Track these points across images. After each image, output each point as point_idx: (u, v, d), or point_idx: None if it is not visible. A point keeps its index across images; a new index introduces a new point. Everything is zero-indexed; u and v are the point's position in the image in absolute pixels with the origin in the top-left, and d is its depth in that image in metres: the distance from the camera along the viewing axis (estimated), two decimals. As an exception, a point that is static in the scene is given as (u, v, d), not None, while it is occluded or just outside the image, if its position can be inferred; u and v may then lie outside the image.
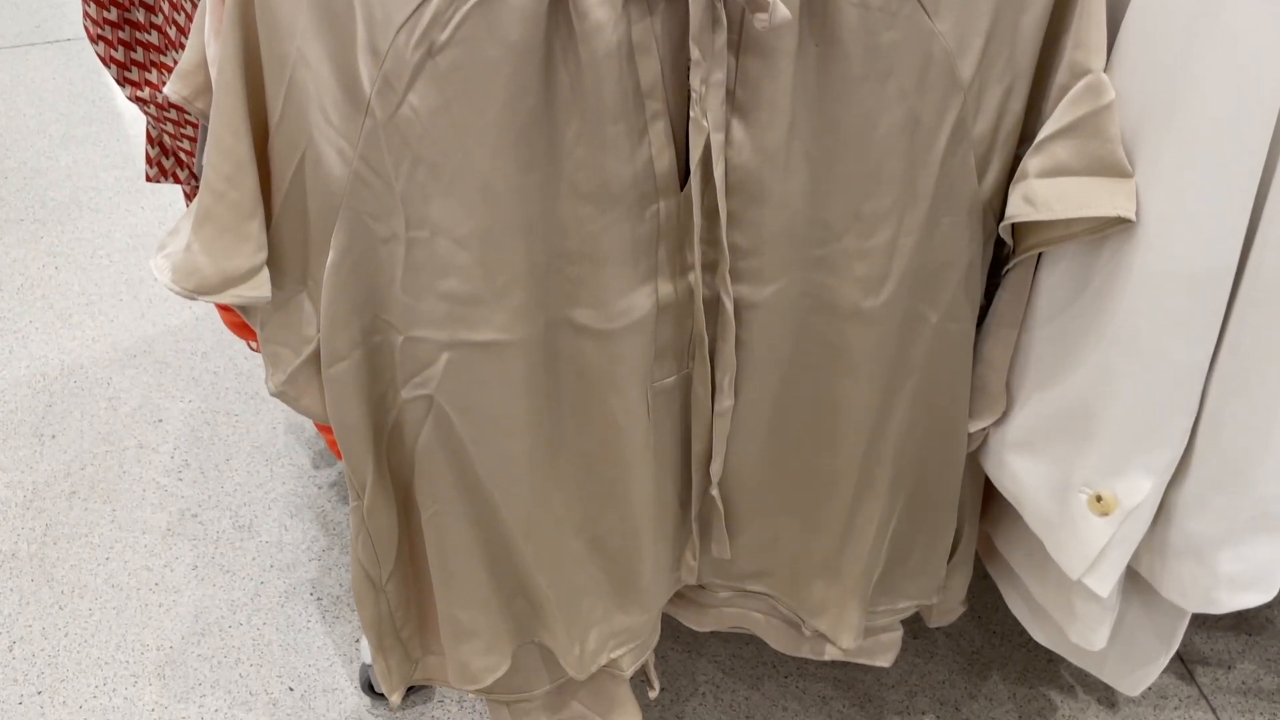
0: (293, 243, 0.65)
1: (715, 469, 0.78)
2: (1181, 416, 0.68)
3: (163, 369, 1.53)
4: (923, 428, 0.78)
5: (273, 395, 0.68)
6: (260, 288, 0.63)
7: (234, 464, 1.39)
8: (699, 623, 0.96)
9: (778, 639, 0.95)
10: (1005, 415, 0.78)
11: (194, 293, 0.61)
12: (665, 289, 0.69)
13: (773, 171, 0.64)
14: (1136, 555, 0.75)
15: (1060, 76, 0.64)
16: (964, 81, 0.63)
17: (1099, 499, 0.72)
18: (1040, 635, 0.93)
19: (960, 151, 0.65)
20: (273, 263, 0.65)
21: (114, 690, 1.14)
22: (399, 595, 0.79)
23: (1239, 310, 0.64)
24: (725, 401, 0.74)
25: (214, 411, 1.46)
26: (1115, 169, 0.63)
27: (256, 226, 0.62)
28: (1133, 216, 0.62)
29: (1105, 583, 0.74)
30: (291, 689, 1.14)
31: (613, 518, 0.77)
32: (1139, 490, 0.70)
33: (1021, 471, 0.78)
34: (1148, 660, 0.86)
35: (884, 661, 0.94)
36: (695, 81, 0.60)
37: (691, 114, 0.61)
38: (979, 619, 1.22)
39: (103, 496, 1.34)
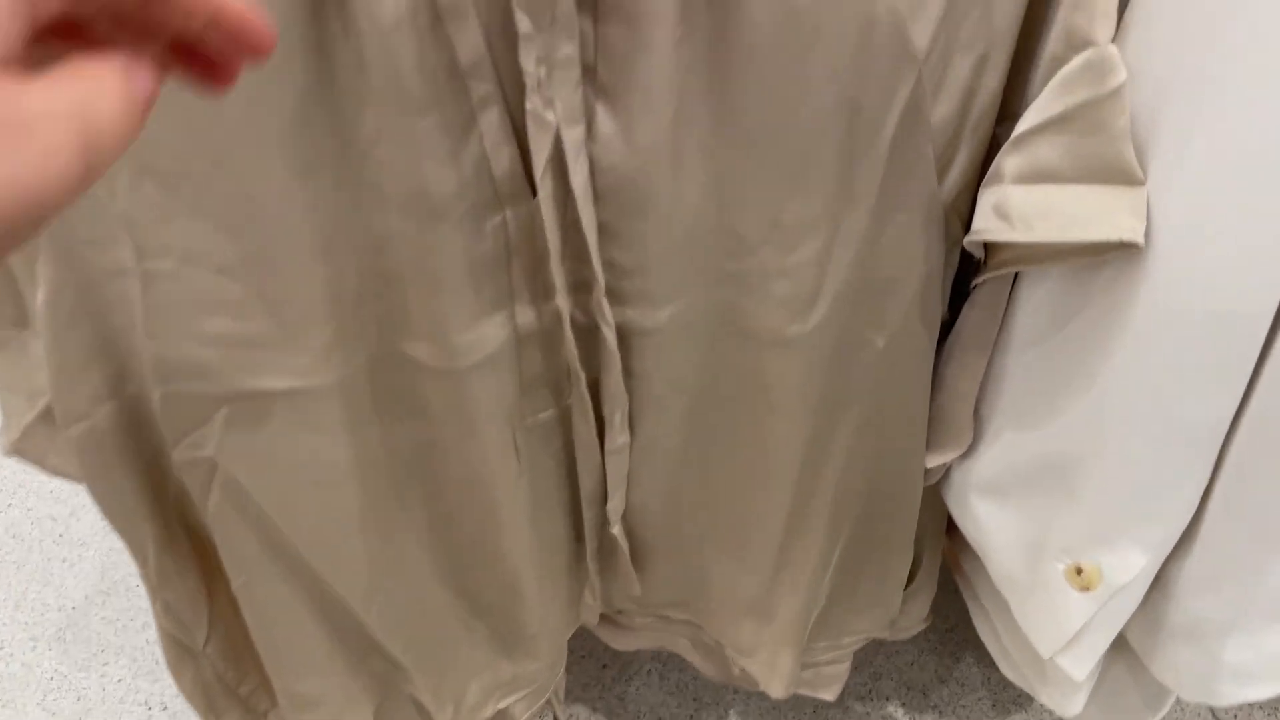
0: (-8, 274, 0.49)
1: (613, 508, 0.64)
2: (1189, 486, 0.53)
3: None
4: (869, 462, 0.64)
5: (7, 455, 0.54)
6: None
7: (142, 410, 1.27)
8: (620, 644, 0.84)
9: (705, 666, 0.83)
10: (972, 449, 0.63)
11: None
12: (525, 316, 0.53)
13: (657, 173, 0.48)
14: (1124, 624, 0.61)
15: (1053, 45, 0.46)
16: (919, 51, 0.45)
17: (1079, 571, 0.58)
18: (1011, 673, 0.80)
19: (914, 142, 0.48)
20: (-28, 300, 0.49)
21: (10, 655, 1.05)
22: (225, 654, 0.66)
23: (1275, 362, 0.48)
24: (619, 439, 0.60)
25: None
26: (1121, 175, 0.46)
27: None
28: (1140, 240, 0.46)
29: (1082, 665, 0.60)
30: (194, 669, 1.04)
31: (483, 572, 0.63)
32: (1129, 567, 0.56)
33: (988, 519, 0.63)
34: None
35: (828, 695, 0.82)
36: (529, 62, 0.42)
37: (528, 105, 0.44)
38: (953, 593, 1.10)
39: None
